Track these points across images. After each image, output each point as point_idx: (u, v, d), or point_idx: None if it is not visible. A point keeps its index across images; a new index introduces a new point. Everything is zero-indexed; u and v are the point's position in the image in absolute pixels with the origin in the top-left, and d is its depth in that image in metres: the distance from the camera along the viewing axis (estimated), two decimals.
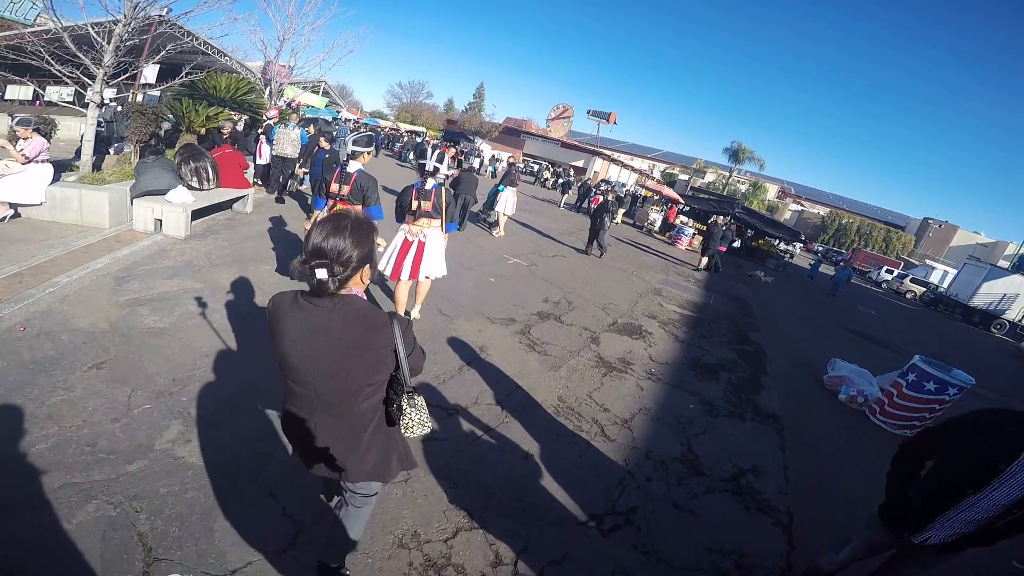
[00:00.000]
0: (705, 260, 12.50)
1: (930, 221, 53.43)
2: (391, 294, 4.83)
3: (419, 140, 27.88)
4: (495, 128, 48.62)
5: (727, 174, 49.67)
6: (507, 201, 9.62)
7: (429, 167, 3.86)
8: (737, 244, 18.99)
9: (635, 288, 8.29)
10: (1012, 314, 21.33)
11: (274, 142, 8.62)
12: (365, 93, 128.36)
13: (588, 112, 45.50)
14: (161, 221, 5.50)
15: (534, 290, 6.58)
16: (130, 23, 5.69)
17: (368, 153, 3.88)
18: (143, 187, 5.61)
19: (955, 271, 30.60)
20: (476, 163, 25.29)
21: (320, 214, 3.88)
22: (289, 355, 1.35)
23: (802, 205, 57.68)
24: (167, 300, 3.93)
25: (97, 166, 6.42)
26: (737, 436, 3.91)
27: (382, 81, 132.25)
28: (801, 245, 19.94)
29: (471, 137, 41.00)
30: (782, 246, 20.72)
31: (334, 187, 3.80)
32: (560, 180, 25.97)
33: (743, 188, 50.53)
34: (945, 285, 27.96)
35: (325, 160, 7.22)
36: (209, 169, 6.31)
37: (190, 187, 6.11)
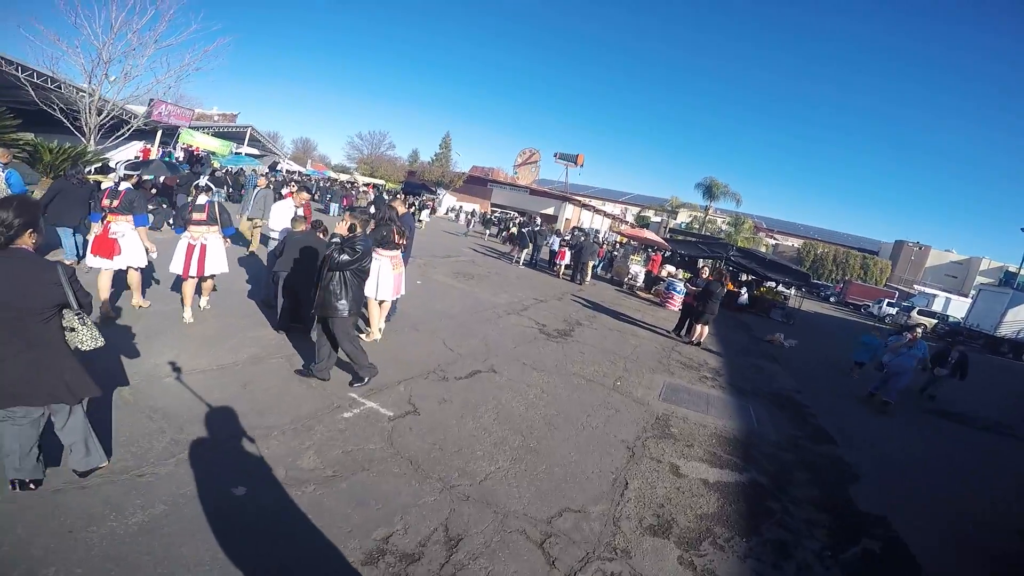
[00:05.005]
0: (704, 330, 8.99)
1: (906, 244, 52.65)
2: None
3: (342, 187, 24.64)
4: (458, 177, 46.26)
5: (703, 212, 48.09)
6: (381, 277, 5.11)
7: (202, 184, 5.07)
8: (744, 298, 15.75)
9: (619, 431, 4.45)
10: None
11: None
12: (332, 147, 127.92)
13: (555, 155, 43.83)
14: None
15: (358, 527, 2.73)
16: None
17: (135, 177, 5.18)
18: None
19: (959, 298, 28.54)
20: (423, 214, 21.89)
21: (96, 227, 4.74)
22: None
23: (775, 239, 56.60)
24: None
25: None
26: None
27: (346, 135, 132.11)
28: (804, 288, 16.90)
29: (432, 188, 38.30)
30: (779, 288, 17.76)
31: (106, 202, 4.59)
32: (513, 228, 20.55)
33: (723, 225, 48.82)
34: (951, 313, 25.80)
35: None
36: None
37: None
